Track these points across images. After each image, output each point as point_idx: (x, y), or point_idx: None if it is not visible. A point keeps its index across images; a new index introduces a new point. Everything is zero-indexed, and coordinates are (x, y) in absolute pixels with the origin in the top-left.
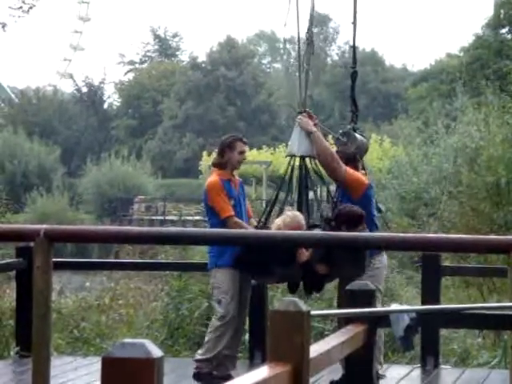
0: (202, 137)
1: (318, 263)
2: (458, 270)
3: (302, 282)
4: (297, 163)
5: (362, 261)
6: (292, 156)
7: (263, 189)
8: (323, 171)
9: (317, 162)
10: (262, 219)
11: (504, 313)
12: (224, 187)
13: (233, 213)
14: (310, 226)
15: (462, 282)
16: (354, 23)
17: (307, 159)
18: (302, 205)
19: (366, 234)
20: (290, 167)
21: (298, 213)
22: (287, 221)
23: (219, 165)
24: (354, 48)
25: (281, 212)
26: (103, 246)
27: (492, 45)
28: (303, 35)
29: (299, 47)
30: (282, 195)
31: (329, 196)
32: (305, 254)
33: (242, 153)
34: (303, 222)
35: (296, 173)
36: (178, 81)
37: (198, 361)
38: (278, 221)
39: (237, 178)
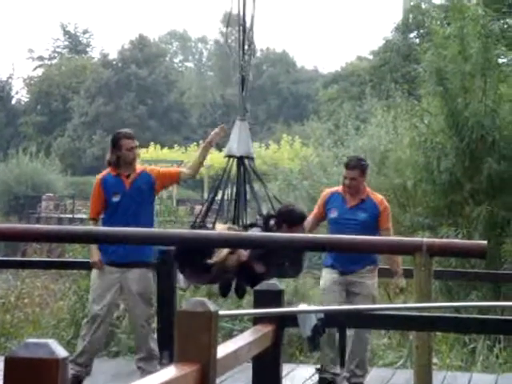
0: (112, 135)
1: (255, 263)
2: None
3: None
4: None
5: (301, 261)
6: (231, 156)
7: (174, 188)
8: (261, 170)
9: (255, 161)
10: (199, 219)
11: (410, 314)
12: (102, 185)
13: (96, 216)
14: (247, 226)
15: None
16: (243, 25)
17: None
18: (240, 204)
19: (300, 235)
20: (228, 167)
21: (230, 225)
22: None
23: (109, 163)
24: (243, 51)
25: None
26: (9, 244)
27: (401, 49)
28: (218, 36)
29: (240, 52)
30: (214, 195)
31: (268, 196)
32: (243, 254)
33: (130, 149)
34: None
35: (233, 173)
36: (88, 78)
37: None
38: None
39: (138, 170)
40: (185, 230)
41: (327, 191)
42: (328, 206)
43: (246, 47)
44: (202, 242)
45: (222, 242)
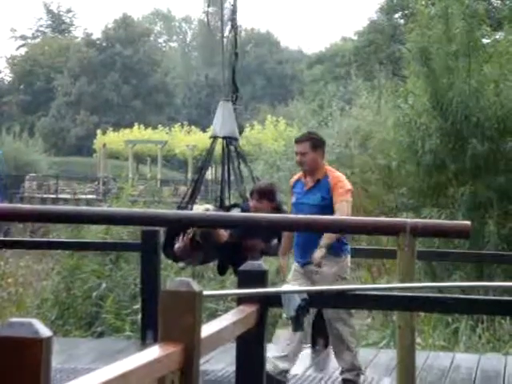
0: (97, 115)
1: (242, 242)
2: None
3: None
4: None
5: (277, 240)
6: (215, 137)
7: (158, 168)
8: (245, 151)
9: (239, 142)
10: (185, 200)
11: (393, 294)
12: None
13: None
14: (229, 206)
15: (352, 264)
16: (234, 4)
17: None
18: (224, 185)
19: (272, 215)
20: (210, 148)
21: (210, 206)
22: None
23: None
24: (235, 29)
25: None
26: None
27: (385, 29)
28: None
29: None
30: (188, 176)
31: (252, 177)
32: (224, 235)
33: None
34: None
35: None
36: (72, 57)
37: None
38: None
39: None
40: (169, 211)
41: (293, 177)
42: (293, 192)
43: (230, 27)
44: (186, 222)
45: (204, 223)
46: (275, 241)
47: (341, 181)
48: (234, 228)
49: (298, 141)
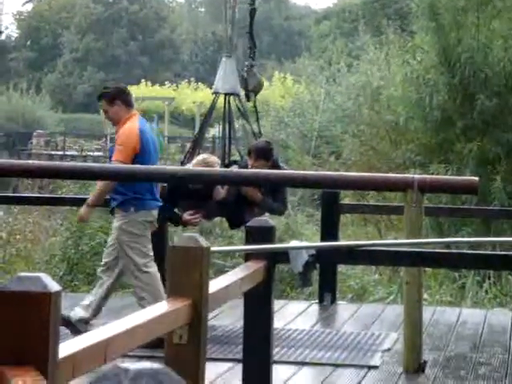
0: (103, 71)
1: (236, 200)
2: (356, 208)
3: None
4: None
5: (282, 196)
6: (217, 93)
7: (165, 125)
8: (251, 108)
9: (240, 99)
10: (187, 156)
11: (400, 249)
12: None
13: None
14: (228, 164)
15: (360, 220)
16: None
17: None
18: (226, 141)
19: (268, 171)
20: (212, 105)
21: (207, 155)
22: (193, 163)
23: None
24: None
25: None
26: (1, 179)
27: None
28: None
29: None
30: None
31: (253, 133)
32: (220, 192)
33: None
34: (212, 162)
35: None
36: (78, 13)
37: None
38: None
39: None
40: (176, 167)
41: None
42: None
43: None
44: (192, 178)
45: (196, 178)
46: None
47: (119, 137)
48: (229, 184)
49: (98, 100)
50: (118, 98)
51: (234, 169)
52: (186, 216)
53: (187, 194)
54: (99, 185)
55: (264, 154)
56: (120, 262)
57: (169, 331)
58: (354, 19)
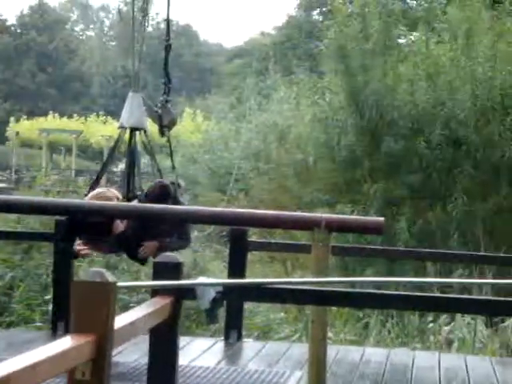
0: (10, 102)
1: (136, 234)
2: (263, 245)
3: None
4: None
5: (187, 232)
6: (122, 128)
7: (73, 158)
8: (162, 143)
9: (147, 134)
10: (89, 189)
11: (306, 288)
12: None
13: None
14: (130, 198)
15: (267, 257)
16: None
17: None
18: (130, 177)
19: (174, 207)
20: (117, 139)
21: (102, 190)
22: (88, 196)
23: None
24: (167, 21)
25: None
26: None
27: (303, 25)
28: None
29: (133, 22)
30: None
31: (157, 168)
32: (119, 226)
33: None
34: (107, 197)
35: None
36: None
37: None
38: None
39: None
40: (75, 200)
41: None
42: None
43: (141, 18)
44: (94, 211)
45: (95, 212)
46: (174, 238)
47: None
48: (127, 219)
49: None
50: None
51: (133, 203)
52: (76, 247)
53: (87, 228)
54: None
55: (157, 201)
56: None
57: (71, 367)
58: (264, 58)
